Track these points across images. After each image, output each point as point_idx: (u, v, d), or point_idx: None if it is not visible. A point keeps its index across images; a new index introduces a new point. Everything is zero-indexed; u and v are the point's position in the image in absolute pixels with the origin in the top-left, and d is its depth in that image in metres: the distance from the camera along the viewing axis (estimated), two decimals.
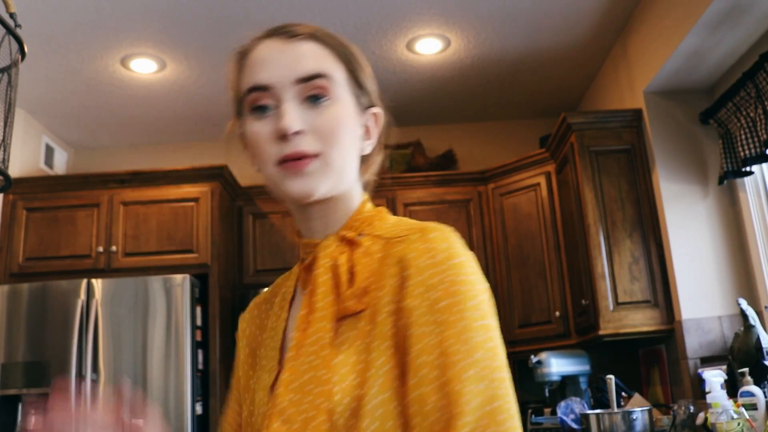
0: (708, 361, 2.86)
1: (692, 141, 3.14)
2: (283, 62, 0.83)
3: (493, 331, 0.74)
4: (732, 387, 2.51)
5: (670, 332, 3.02)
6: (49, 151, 4.08)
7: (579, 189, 3.21)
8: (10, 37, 1.41)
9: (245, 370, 0.92)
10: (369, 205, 0.90)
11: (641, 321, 3.02)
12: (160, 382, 3.09)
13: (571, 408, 3.00)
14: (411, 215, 2.81)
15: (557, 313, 3.48)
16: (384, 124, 0.93)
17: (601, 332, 3.00)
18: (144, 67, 3.46)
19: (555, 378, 3.31)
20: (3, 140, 1.39)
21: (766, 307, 2.82)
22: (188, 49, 3.32)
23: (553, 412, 3.11)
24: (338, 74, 0.85)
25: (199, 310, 3.33)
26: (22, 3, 2.70)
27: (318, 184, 0.81)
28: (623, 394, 3.07)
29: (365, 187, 0.93)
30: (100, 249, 3.51)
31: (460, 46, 3.44)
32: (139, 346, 3.14)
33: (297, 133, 0.80)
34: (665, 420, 2.81)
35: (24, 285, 3.25)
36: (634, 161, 3.21)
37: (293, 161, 0.80)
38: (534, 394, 3.57)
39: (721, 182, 2.94)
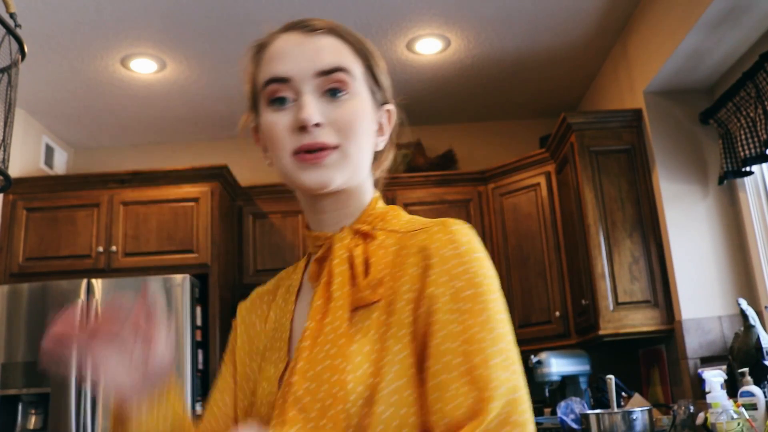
0: (708, 361, 2.86)
1: (692, 141, 3.14)
2: (303, 55, 0.84)
3: (510, 325, 0.77)
4: (732, 387, 2.51)
5: (670, 332, 3.02)
6: (49, 151, 4.08)
7: (579, 189, 3.21)
8: (10, 37, 1.41)
9: (242, 357, 0.92)
10: (381, 203, 0.91)
11: (641, 321, 3.02)
12: None
13: (571, 408, 3.00)
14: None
15: (557, 313, 3.48)
16: (396, 121, 0.94)
17: (601, 332, 3.00)
18: (144, 67, 3.46)
19: (555, 378, 3.32)
20: (3, 140, 1.39)
21: (766, 307, 2.82)
22: (188, 49, 3.32)
23: (553, 412, 3.11)
24: (356, 69, 0.86)
25: (199, 310, 3.33)
26: (22, 3, 2.70)
27: (334, 175, 0.82)
28: (623, 394, 3.07)
29: (375, 184, 0.93)
30: (100, 249, 3.51)
31: (460, 46, 3.44)
32: None
33: (317, 125, 0.81)
34: (665, 420, 2.81)
35: (24, 285, 3.25)
36: (634, 161, 3.21)
37: (312, 153, 0.81)
38: (534, 394, 3.53)
39: (721, 182, 2.94)
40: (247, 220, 3.88)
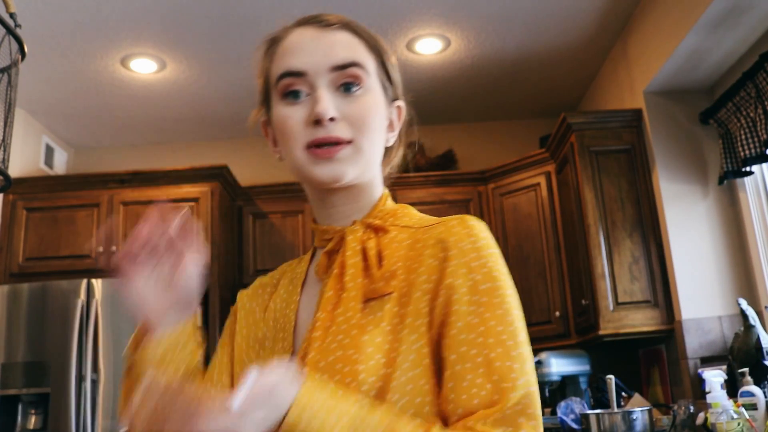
0: (708, 361, 2.86)
1: (692, 141, 3.14)
2: (318, 49, 0.84)
3: (524, 322, 0.78)
4: (732, 387, 2.51)
5: (670, 332, 3.02)
6: (49, 151, 4.08)
7: (579, 189, 3.21)
8: (10, 37, 1.41)
9: (239, 342, 0.91)
10: (390, 200, 0.91)
11: (641, 321, 3.02)
12: None
13: (571, 408, 2.99)
14: None
15: (557, 313, 3.48)
16: (405, 118, 0.95)
17: (601, 332, 3.00)
18: (144, 67, 3.45)
19: (555, 378, 3.31)
20: (3, 140, 1.39)
21: (766, 307, 2.82)
22: (188, 49, 3.32)
23: (553, 412, 3.11)
24: (370, 65, 0.87)
25: (199, 310, 3.33)
26: (22, 3, 2.70)
27: (347, 170, 0.82)
28: (623, 394, 3.07)
29: (385, 181, 0.94)
30: (100, 249, 3.51)
31: (460, 46, 3.44)
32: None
33: (331, 119, 0.81)
34: (665, 420, 2.81)
35: (24, 285, 3.25)
36: (634, 161, 3.21)
37: (325, 147, 0.81)
38: None
39: (721, 182, 2.94)
40: (247, 220, 3.88)
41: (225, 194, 3.74)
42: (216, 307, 3.42)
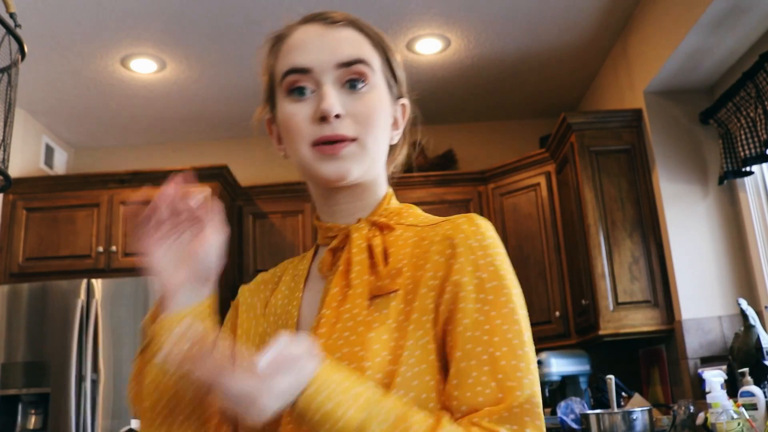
0: (708, 361, 2.86)
1: (692, 141, 3.14)
2: (323, 46, 0.84)
3: (528, 322, 0.78)
4: (732, 387, 2.51)
5: (670, 332, 3.02)
6: (49, 151, 4.08)
7: (579, 189, 3.21)
8: (10, 37, 1.40)
9: (240, 335, 0.91)
10: (395, 200, 0.91)
11: (641, 321, 3.02)
12: None
13: (571, 408, 3.00)
14: None
15: (557, 313, 3.48)
16: (410, 116, 0.95)
17: (601, 332, 3.00)
18: (144, 67, 3.45)
19: (555, 378, 3.31)
20: (3, 140, 1.39)
21: (766, 307, 2.82)
22: (188, 49, 3.32)
23: (553, 412, 3.11)
24: (375, 62, 0.87)
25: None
26: (22, 3, 2.70)
27: (352, 167, 0.82)
28: (623, 394, 3.07)
29: (389, 180, 0.94)
30: (100, 249, 3.51)
31: (460, 46, 3.44)
32: (139, 347, 3.14)
33: (337, 116, 0.81)
34: (665, 420, 2.81)
35: (24, 285, 3.25)
36: (634, 161, 3.21)
37: (330, 144, 0.81)
38: None
39: (721, 182, 2.94)
40: (247, 220, 3.88)
41: (225, 194, 3.74)
42: (216, 307, 3.42)
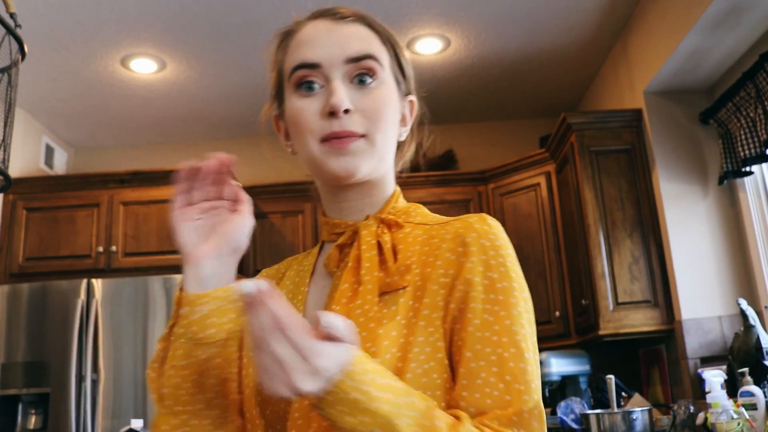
0: (708, 361, 2.86)
1: (692, 141, 3.14)
2: (332, 42, 0.84)
3: (534, 326, 0.78)
4: (732, 387, 2.51)
5: (670, 332, 3.02)
6: (49, 151, 4.08)
7: (579, 189, 3.21)
8: (10, 37, 1.41)
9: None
10: (402, 198, 0.91)
11: (641, 321, 3.02)
12: None
13: (571, 408, 3.00)
14: None
15: (557, 313, 3.48)
16: (417, 113, 0.95)
17: (601, 332, 3.00)
18: (144, 67, 3.46)
19: (555, 378, 3.31)
20: (3, 140, 1.39)
21: (766, 307, 2.82)
22: (188, 49, 3.32)
23: (553, 412, 3.11)
24: (384, 58, 0.87)
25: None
26: (22, 3, 2.70)
27: (361, 164, 0.82)
28: (623, 394, 3.07)
29: (396, 178, 0.93)
30: (100, 249, 3.51)
31: (460, 46, 3.44)
32: (139, 346, 3.14)
33: (346, 111, 0.80)
34: (665, 420, 2.81)
35: (24, 285, 3.25)
36: (634, 161, 3.21)
37: (338, 139, 0.81)
38: None
39: (721, 182, 2.94)
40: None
41: None
42: None
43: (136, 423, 2.83)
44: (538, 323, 3.04)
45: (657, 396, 3.25)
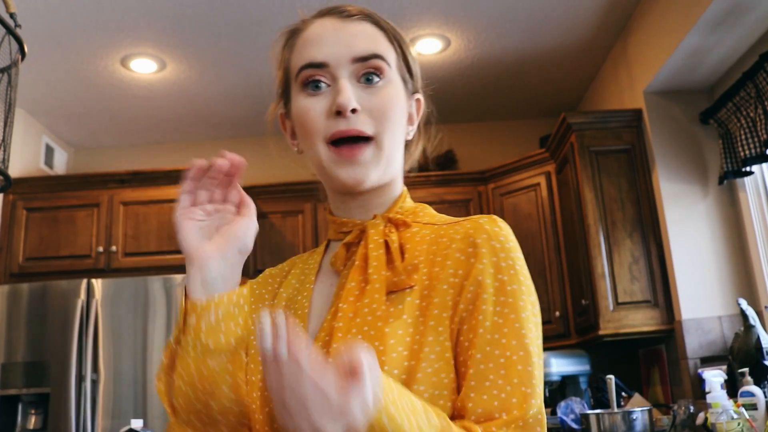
0: (708, 361, 2.86)
1: (692, 141, 3.14)
2: (339, 41, 0.83)
3: (541, 331, 0.79)
4: (732, 387, 2.51)
5: (670, 332, 3.02)
6: (49, 151, 4.08)
7: (579, 189, 3.21)
8: (10, 37, 1.41)
9: (249, 325, 0.86)
10: (410, 199, 0.91)
11: (641, 321, 3.02)
12: None
13: (571, 408, 3.00)
14: None
15: (557, 313, 3.48)
16: (424, 111, 0.94)
17: (601, 332, 3.00)
18: (144, 67, 3.45)
19: (555, 378, 3.31)
20: (3, 140, 1.39)
21: (766, 307, 2.82)
22: (188, 49, 3.32)
23: (553, 412, 3.11)
24: (391, 56, 0.86)
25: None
26: (22, 3, 2.70)
27: (369, 173, 0.82)
28: (623, 394, 3.07)
29: (404, 177, 0.93)
30: (100, 249, 3.51)
31: (460, 46, 3.44)
32: (139, 346, 3.14)
33: (353, 111, 0.80)
34: (665, 420, 2.81)
35: (24, 285, 3.25)
36: (634, 161, 3.21)
37: (348, 146, 0.80)
38: None
39: (721, 182, 2.94)
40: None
41: None
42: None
43: (136, 423, 2.82)
44: None
45: (657, 396, 3.25)
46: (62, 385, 3.06)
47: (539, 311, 0.79)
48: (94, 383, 3.09)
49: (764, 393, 2.38)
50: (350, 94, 0.80)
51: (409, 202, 0.90)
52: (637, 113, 3.24)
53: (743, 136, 2.75)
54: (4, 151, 1.39)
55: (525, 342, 0.74)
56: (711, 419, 2.36)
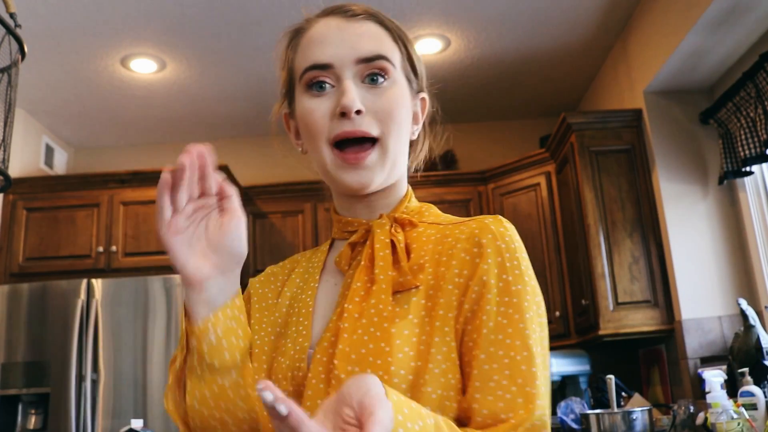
0: (708, 361, 2.86)
1: (692, 141, 3.14)
2: (344, 41, 0.83)
3: (547, 330, 0.78)
4: (732, 387, 2.51)
5: (670, 332, 3.02)
6: (49, 151, 4.08)
7: (579, 189, 3.21)
8: (10, 37, 1.40)
9: (252, 324, 0.87)
10: (415, 199, 0.91)
11: (641, 321, 3.02)
12: (160, 382, 3.09)
13: (571, 408, 2.99)
14: None
15: (557, 313, 3.48)
16: (429, 110, 0.94)
17: (601, 332, 3.00)
18: (144, 67, 3.45)
19: (555, 378, 3.31)
20: (3, 140, 1.39)
21: (766, 307, 2.82)
22: (188, 49, 3.32)
23: (553, 412, 3.11)
24: (395, 57, 0.86)
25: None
26: (22, 3, 2.70)
27: (375, 176, 0.82)
28: (623, 394, 3.07)
29: (409, 177, 0.93)
30: (100, 249, 3.51)
31: (460, 46, 3.44)
32: (139, 346, 3.14)
33: (358, 112, 0.80)
34: (665, 420, 2.81)
35: (24, 285, 3.25)
36: (634, 161, 3.21)
37: (353, 151, 0.80)
38: None
39: (721, 182, 2.94)
40: (246, 220, 3.88)
41: None
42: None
43: (136, 423, 2.82)
44: None
45: (657, 396, 3.25)
46: (62, 385, 3.06)
47: (545, 312, 0.78)
48: (94, 383, 3.09)
49: (764, 393, 2.38)
50: (354, 95, 0.80)
51: (414, 202, 0.90)
52: (637, 113, 3.24)
53: (743, 136, 2.75)
54: (4, 151, 1.39)
55: (529, 343, 0.73)
56: (711, 419, 2.36)
